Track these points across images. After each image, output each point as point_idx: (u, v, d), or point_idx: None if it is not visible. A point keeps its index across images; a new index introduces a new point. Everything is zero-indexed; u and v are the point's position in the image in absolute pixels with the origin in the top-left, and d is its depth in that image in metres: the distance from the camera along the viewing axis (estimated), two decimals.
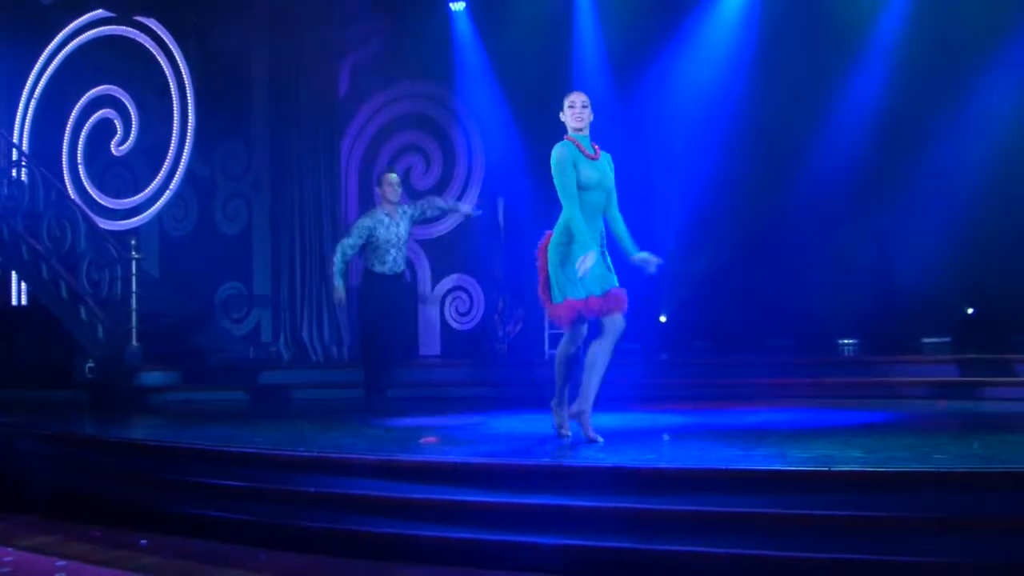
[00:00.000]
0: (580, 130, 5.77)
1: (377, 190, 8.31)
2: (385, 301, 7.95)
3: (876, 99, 9.39)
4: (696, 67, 10.07)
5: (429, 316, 11.27)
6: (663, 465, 4.90)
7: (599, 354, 5.65)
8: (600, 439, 5.71)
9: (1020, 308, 9.22)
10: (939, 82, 9.30)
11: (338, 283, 7.93)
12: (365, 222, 7.94)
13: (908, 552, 4.10)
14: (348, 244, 7.89)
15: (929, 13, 9.24)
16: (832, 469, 4.50)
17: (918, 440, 5.65)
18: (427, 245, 11.35)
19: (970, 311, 9.88)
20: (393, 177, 8.17)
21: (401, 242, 8.01)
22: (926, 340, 9.72)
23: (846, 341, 9.98)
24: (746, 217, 10.19)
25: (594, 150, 5.80)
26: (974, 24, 8.95)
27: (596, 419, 6.19)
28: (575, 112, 5.78)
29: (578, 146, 5.74)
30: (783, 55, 9.55)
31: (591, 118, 5.81)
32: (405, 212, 8.08)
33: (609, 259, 5.78)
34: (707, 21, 10.15)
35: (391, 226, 7.93)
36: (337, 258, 7.93)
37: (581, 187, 5.64)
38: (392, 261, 7.97)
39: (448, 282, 11.27)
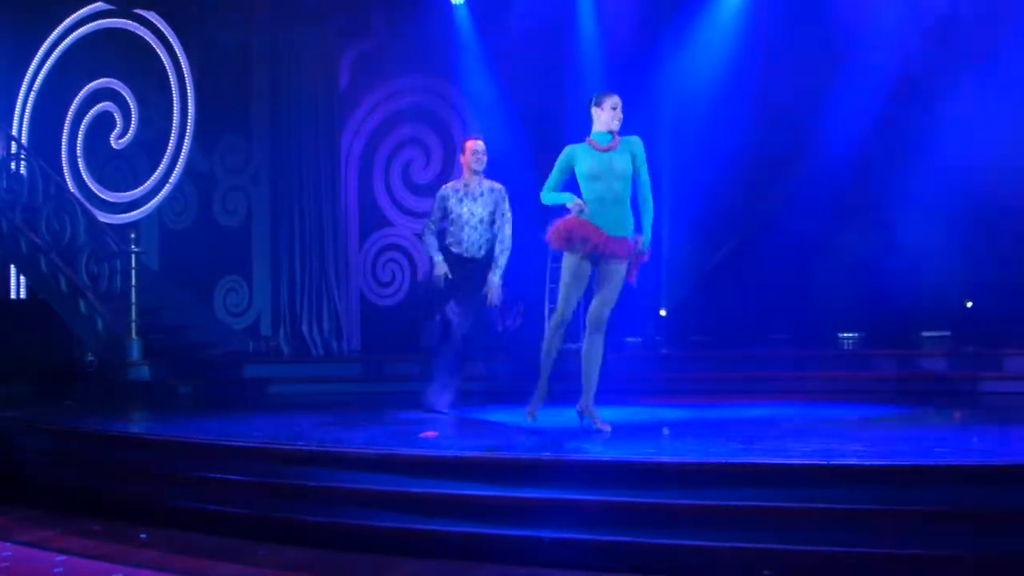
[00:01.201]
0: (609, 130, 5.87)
1: (460, 159, 7.50)
2: (460, 286, 7.10)
3: (875, 96, 9.37)
4: (697, 62, 10.05)
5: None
6: (663, 459, 4.90)
7: (593, 347, 5.85)
8: (608, 427, 5.89)
9: (1019, 302, 9.22)
10: (939, 78, 9.28)
11: (436, 257, 7.16)
12: (439, 192, 7.26)
13: (909, 545, 4.11)
14: (429, 220, 7.29)
15: (926, 18, 9.22)
16: (832, 463, 4.50)
17: (918, 434, 5.66)
18: None
19: (969, 305, 9.88)
20: (478, 145, 7.22)
21: (477, 221, 7.09)
22: (925, 334, 9.73)
23: (847, 335, 9.98)
24: (746, 212, 10.18)
25: (612, 138, 5.86)
26: (978, 13, 8.93)
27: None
28: (616, 114, 5.89)
29: (591, 144, 5.87)
30: (783, 51, 9.54)
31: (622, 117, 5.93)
32: (493, 192, 7.15)
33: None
34: (708, 15, 10.13)
35: (466, 200, 7.09)
36: (425, 237, 7.31)
37: (584, 178, 5.81)
38: (468, 242, 7.12)
39: None
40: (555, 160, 5.99)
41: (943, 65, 9.23)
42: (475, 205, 7.09)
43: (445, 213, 7.16)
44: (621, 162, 5.82)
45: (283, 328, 10.87)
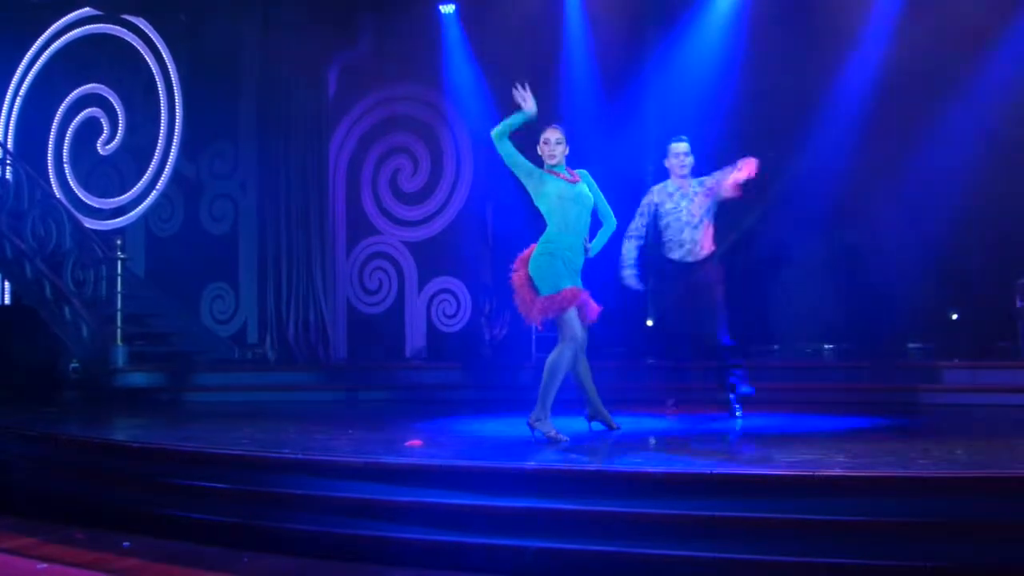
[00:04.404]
0: (554, 165, 6.04)
1: (664, 163, 7.04)
2: (682, 297, 6.73)
3: (861, 105, 9.41)
4: (686, 69, 10.07)
5: (415, 317, 11.27)
6: (648, 469, 4.89)
7: (559, 360, 5.91)
8: (618, 426, 6.33)
9: (1004, 313, 9.26)
10: (924, 87, 9.32)
11: (627, 273, 6.85)
12: (646, 198, 6.87)
13: (892, 556, 4.12)
14: (632, 226, 6.86)
15: (919, 15, 9.25)
16: (817, 474, 4.51)
17: (903, 445, 5.67)
18: (414, 247, 11.35)
19: (955, 316, 9.91)
20: (680, 147, 6.88)
21: (696, 220, 6.74)
22: (911, 345, 9.75)
23: (831, 346, 10.00)
24: (730, 220, 10.19)
25: (571, 175, 6.09)
26: (963, 27, 8.97)
27: (579, 422, 6.26)
28: (549, 148, 6.05)
29: (555, 174, 6.03)
30: (773, 55, 9.55)
31: (567, 151, 6.06)
32: (701, 184, 6.84)
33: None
34: (698, 22, 10.15)
35: (681, 199, 6.76)
36: (624, 246, 6.88)
37: (561, 199, 5.94)
38: (690, 244, 6.79)
39: (435, 284, 11.26)
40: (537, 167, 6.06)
41: (927, 77, 9.26)
42: (691, 204, 6.76)
43: (657, 218, 6.83)
44: (587, 194, 6.07)
45: (269, 335, 10.85)
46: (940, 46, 9.06)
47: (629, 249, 6.85)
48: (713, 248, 6.95)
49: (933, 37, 9.06)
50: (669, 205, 6.82)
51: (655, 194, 6.90)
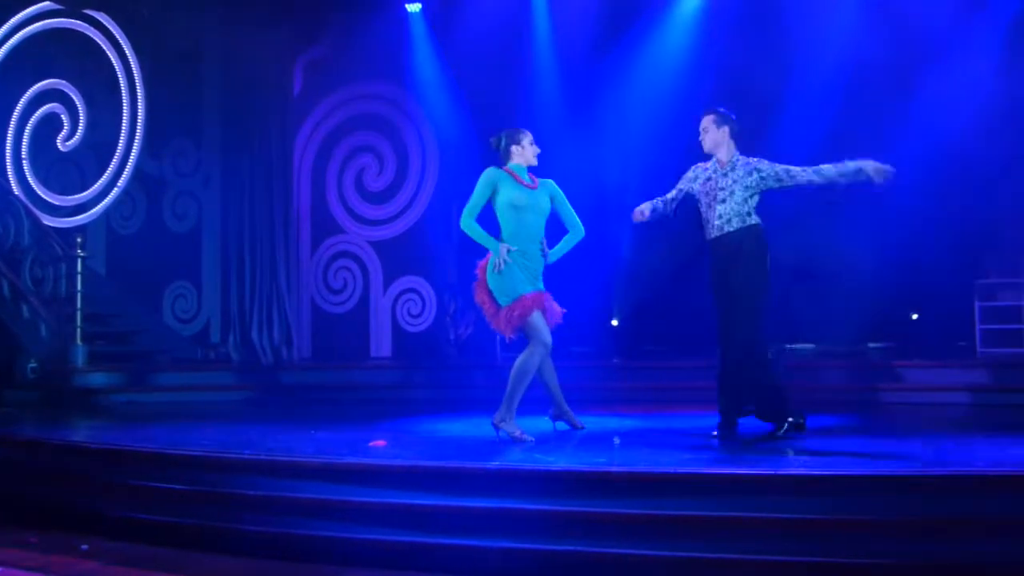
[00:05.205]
0: (521, 167, 6.10)
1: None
2: (715, 280, 6.05)
3: (822, 108, 9.46)
4: (651, 68, 10.11)
5: (380, 317, 11.22)
6: (613, 468, 4.89)
7: (528, 362, 5.94)
8: (583, 425, 6.38)
9: (964, 314, 9.38)
10: (885, 90, 9.41)
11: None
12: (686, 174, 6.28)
13: (853, 554, 4.14)
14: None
15: (879, 19, 9.33)
16: (779, 472, 4.53)
17: (863, 444, 5.72)
18: (379, 246, 11.30)
19: (915, 317, 10.01)
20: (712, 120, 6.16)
21: (728, 195, 5.98)
22: (872, 345, 9.85)
23: (793, 346, 10.06)
24: (696, 220, 10.21)
25: (531, 180, 6.11)
26: (924, 30, 9.06)
27: (544, 422, 6.27)
28: (526, 151, 6.11)
29: (513, 175, 6.05)
30: (735, 59, 9.59)
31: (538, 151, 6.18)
32: (748, 166, 6.01)
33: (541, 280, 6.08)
34: (662, 22, 10.19)
35: (716, 177, 6.07)
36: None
37: (514, 207, 5.98)
38: (719, 221, 6.00)
39: (400, 283, 11.21)
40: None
41: (888, 82, 9.35)
42: (727, 180, 6.01)
43: (691, 195, 6.19)
44: (545, 200, 6.09)
45: (233, 335, 10.74)
46: (900, 49, 9.16)
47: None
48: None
49: (893, 41, 9.15)
50: (700, 182, 6.17)
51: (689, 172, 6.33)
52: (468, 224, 6.03)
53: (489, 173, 6.07)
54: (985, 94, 8.94)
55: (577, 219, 6.23)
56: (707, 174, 6.15)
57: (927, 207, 9.07)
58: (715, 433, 5.99)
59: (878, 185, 5.87)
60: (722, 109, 6.21)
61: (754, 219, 6.01)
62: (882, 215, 9.18)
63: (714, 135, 6.14)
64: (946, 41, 9.15)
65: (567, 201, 6.21)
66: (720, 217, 6.01)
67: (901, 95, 9.29)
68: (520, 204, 6.00)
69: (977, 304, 9.39)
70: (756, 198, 6.02)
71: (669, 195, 6.33)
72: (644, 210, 6.27)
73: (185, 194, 11.42)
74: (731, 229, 5.97)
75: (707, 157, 6.22)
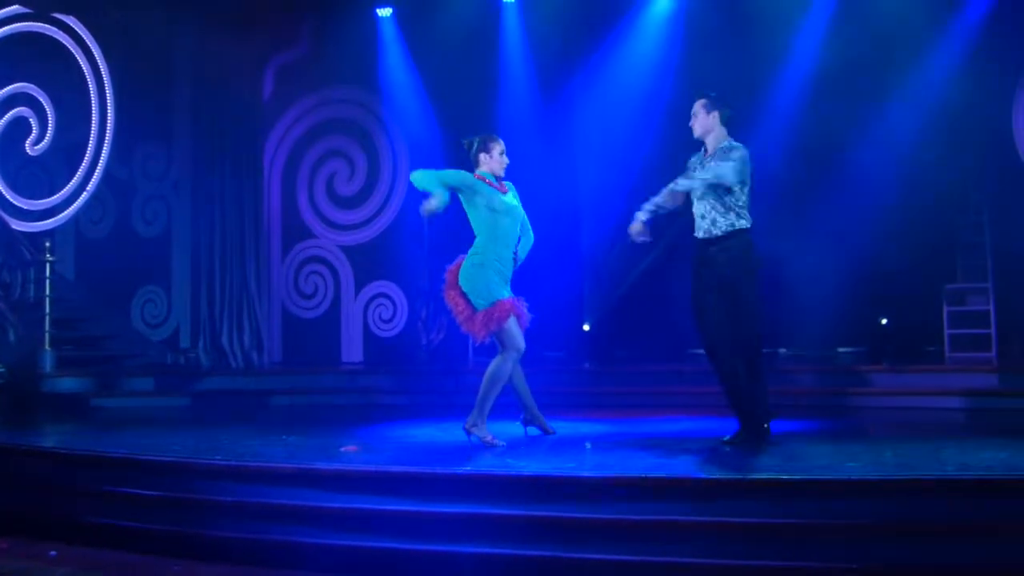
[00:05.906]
0: (492, 175, 6.15)
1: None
2: (698, 280, 5.86)
3: (792, 112, 9.55)
4: (622, 73, 10.14)
5: (351, 322, 11.20)
6: (584, 474, 4.92)
7: (501, 368, 5.98)
8: (554, 430, 6.39)
9: (933, 319, 9.48)
10: (854, 97, 9.49)
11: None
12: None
13: (821, 558, 4.18)
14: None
15: (847, 22, 9.41)
16: (748, 477, 4.56)
17: (833, 448, 5.77)
18: (350, 251, 11.28)
19: (884, 321, 10.11)
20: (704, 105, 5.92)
21: (702, 193, 5.77)
22: (841, 350, 9.93)
23: (764, 351, 10.12)
24: (665, 224, 10.26)
25: (500, 185, 6.17)
26: (891, 34, 9.14)
27: (515, 427, 6.29)
28: (497, 159, 6.15)
29: (486, 181, 6.10)
30: (706, 62, 9.64)
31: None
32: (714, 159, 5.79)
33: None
34: (633, 27, 10.23)
35: (699, 167, 5.88)
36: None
37: (493, 211, 6.00)
38: (699, 220, 5.85)
39: (371, 289, 11.19)
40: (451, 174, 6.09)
41: (856, 85, 9.43)
42: (705, 174, 5.76)
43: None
44: (517, 205, 6.15)
45: (203, 340, 10.69)
46: (868, 53, 9.24)
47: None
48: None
49: (861, 44, 9.24)
50: (689, 173, 6.00)
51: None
52: (420, 173, 6.04)
53: (467, 175, 6.07)
54: (949, 99, 9.03)
55: (528, 224, 6.25)
56: (695, 163, 5.97)
57: (896, 211, 9.16)
58: (732, 439, 5.75)
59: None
60: (714, 93, 5.96)
61: (740, 218, 5.85)
62: (851, 220, 9.27)
63: (703, 120, 5.89)
64: (914, 43, 9.24)
65: (520, 205, 6.24)
66: (703, 217, 5.84)
67: (869, 98, 9.38)
68: (499, 208, 6.02)
69: (946, 308, 9.49)
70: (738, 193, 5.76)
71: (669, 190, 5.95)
72: (639, 223, 5.88)
73: (155, 198, 11.35)
74: (718, 232, 5.79)
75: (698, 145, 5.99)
